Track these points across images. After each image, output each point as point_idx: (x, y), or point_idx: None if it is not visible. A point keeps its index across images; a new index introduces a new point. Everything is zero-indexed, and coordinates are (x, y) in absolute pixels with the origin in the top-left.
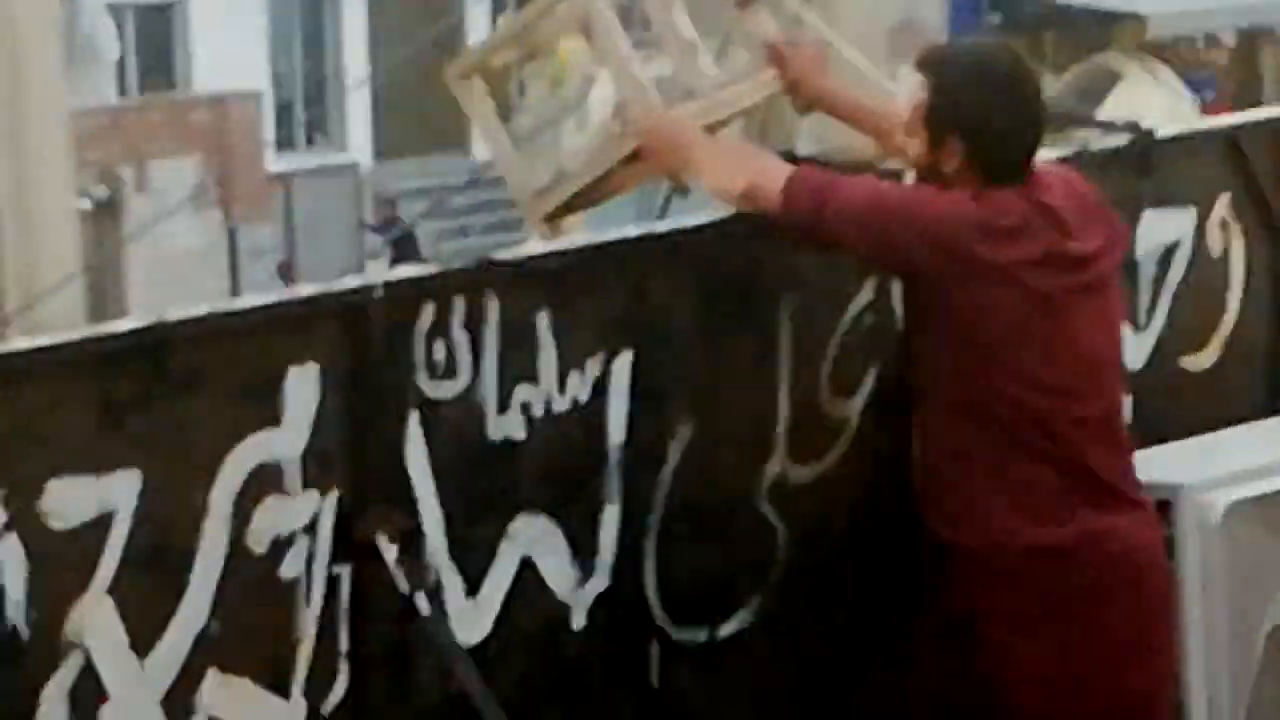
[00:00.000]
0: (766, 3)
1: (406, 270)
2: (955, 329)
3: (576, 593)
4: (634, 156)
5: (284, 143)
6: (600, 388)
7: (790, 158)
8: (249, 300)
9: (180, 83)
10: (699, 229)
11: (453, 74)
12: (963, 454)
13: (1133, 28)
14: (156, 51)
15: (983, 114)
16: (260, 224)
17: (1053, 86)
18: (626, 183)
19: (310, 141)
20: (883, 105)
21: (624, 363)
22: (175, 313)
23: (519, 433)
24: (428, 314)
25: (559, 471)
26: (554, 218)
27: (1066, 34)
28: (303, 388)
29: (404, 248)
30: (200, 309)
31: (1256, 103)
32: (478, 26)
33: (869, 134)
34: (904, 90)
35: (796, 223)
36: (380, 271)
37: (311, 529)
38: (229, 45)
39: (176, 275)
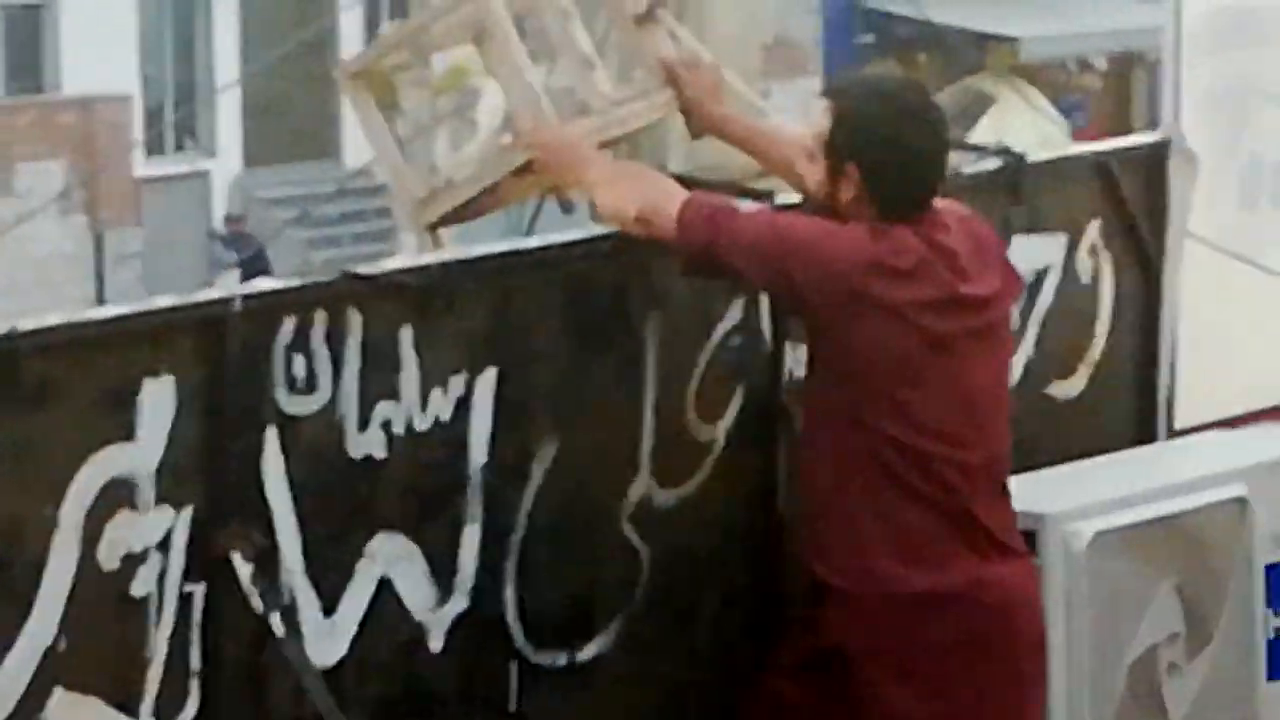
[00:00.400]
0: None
1: (266, 282)
2: (845, 366)
3: (435, 614)
4: (524, 169)
5: (153, 147)
6: (463, 406)
7: (681, 181)
8: (103, 311)
9: (49, 85)
10: (565, 246)
11: (343, 73)
12: (845, 494)
13: (1006, 50)
14: (25, 53)
15: (882, 144)
16: (128, 229)
17: None
18: (513, 195)
19: (180, 146)
20: (780, 132)
21: (487, 381)
22: (27, 322)
23: (379, 450)
24: (287, 328)
25: (419, 490)
26: (437, 226)
27: (940, 55)
28: (158, 401)
29: (253, 265)
30: (52, 319)
31: (1128, 128)
32: (351, 34)
33: (764, 161)
34: (775, 110)
35: (690, 250)
36: (238, 283)
37: (164, 546)
38: (99, 47)
39: (41, 280)
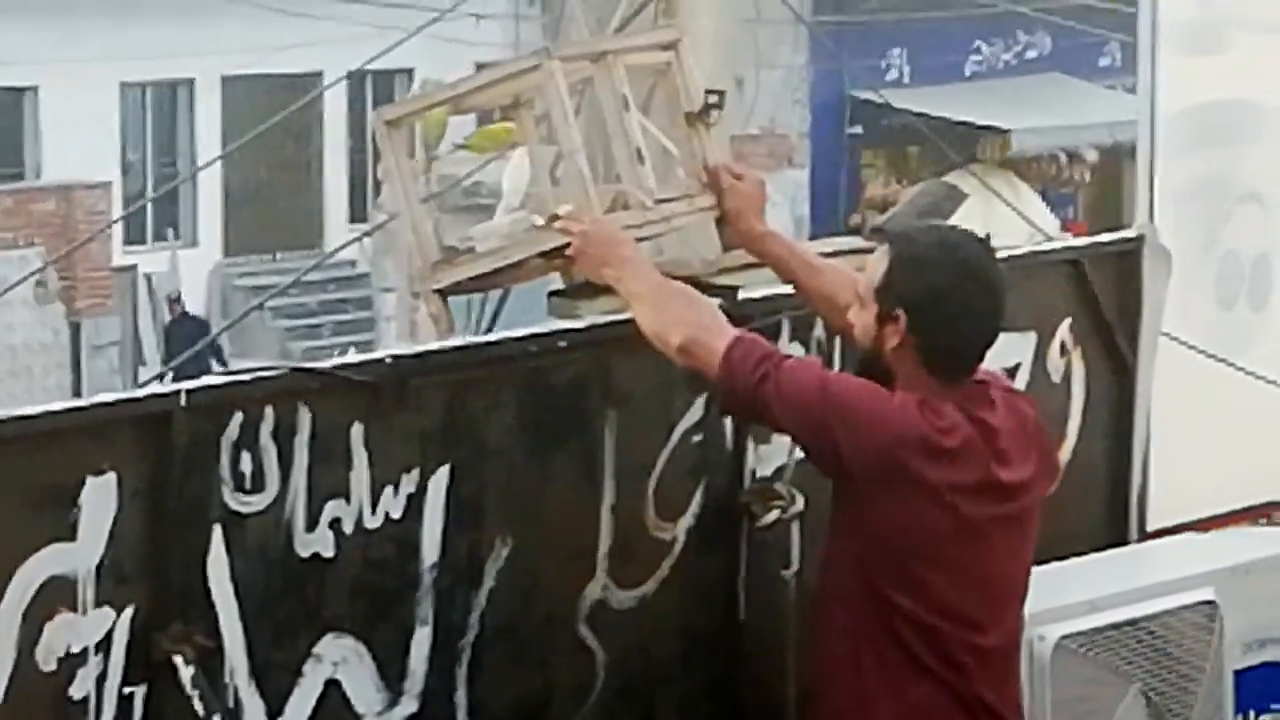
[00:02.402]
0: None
1: (213, 378)
2: (871, 536)
3: (383, 717)
4: (554, 251)
5: (133, 235)
6: (415, 504)
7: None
8: (44, 406)
9: (30, 171)
10: (520, 341)
11: (382, 118)
12: (857, 661)
13: (997, 142)
14: (6, 137)
15: (937, 297)
16: (106, 317)
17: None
18: (536, 274)
19: (160, 236)
20: (824, 263)
21: (440, 479)
22: None
23: (328, 550)
24: (234, 424)
25: (369, 591)
26: (448, 293)
27: (930, 148)
28: (100, 499)
29: (181, 343)
30: None
31: (1118, 221)
32: (336, 122)
33: (801, 288)
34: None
35: (732, 391)
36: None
37: (105, 646)
38: (80, 133)
39: (16, 369)
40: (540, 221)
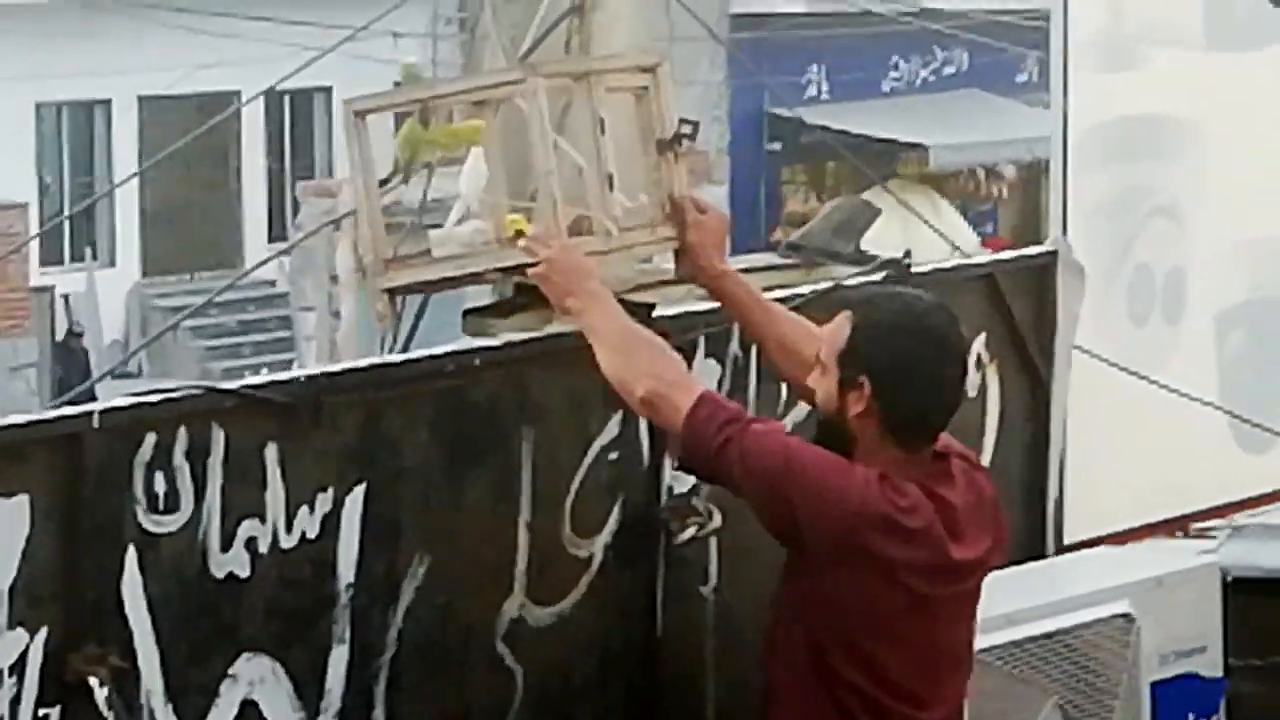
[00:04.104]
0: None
1: (125, 398)
2: (822, 609)
3: None
4: (514, 267)
5: (50, 256)
6: (330, 523)
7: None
8: None
9: None
10: (436, 359)
11: (350, 109)
12: None
13: (916, 159)
14: None
15: (897, 361)
16: (23, 338)
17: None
18: (483, 281)
19: (77, 256)
20: (784, 311)
21: (356, 498)
22: None
23: (243, 570)
24: (148, 444)
25: (285, 611)
26: (395, 293)
27: (850, 164)
28: (11, 521)
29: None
30: None
31: (1039, 236)
32: (254, 141)
33: (757, 332)
34: None
35: (693, 451)
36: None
37: (18, 669)
38: None
39: None
40: (494, 235)
